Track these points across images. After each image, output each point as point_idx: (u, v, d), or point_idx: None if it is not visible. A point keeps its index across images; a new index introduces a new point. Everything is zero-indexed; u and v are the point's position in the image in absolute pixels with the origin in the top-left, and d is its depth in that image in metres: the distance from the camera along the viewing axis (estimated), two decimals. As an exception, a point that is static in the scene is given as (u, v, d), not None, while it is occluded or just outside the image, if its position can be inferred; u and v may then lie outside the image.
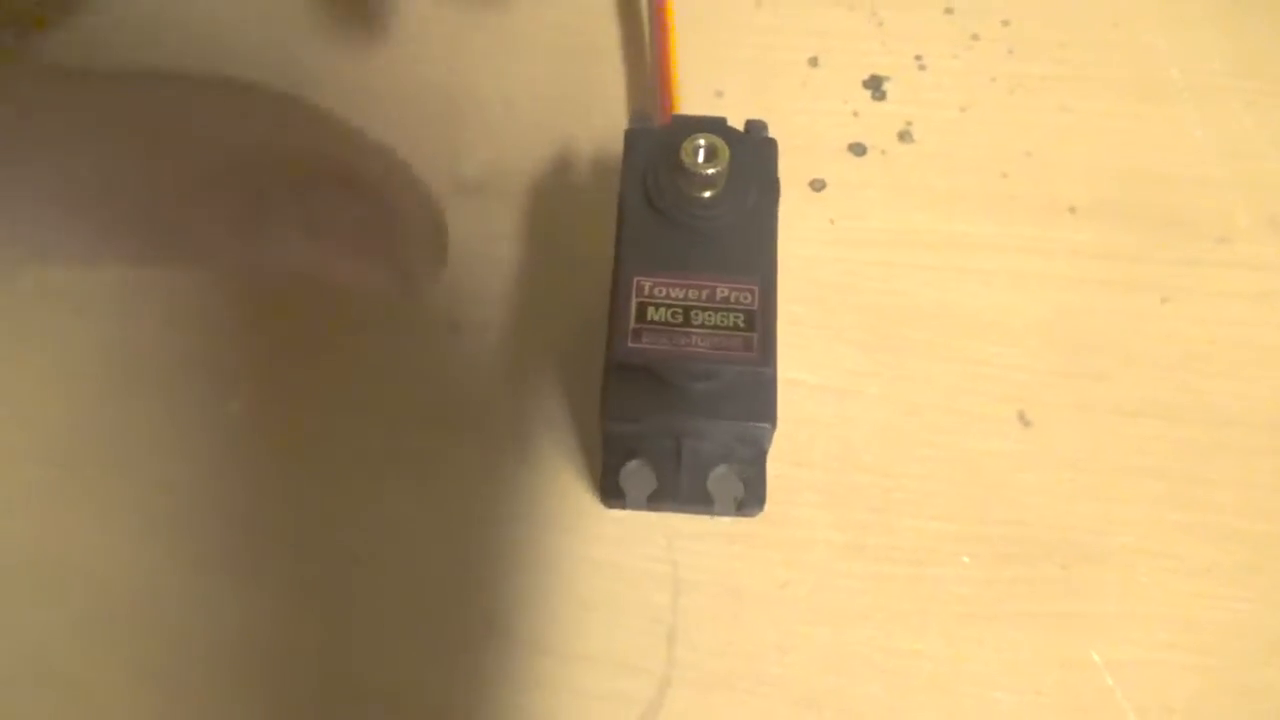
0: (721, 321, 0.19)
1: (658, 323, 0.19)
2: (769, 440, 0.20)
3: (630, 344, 0.19)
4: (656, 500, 0.19)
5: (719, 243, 0.20)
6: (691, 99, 0.27)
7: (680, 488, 0.19)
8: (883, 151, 0.27)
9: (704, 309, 0.19)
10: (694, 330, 0.19)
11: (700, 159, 0.19)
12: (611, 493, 0.19)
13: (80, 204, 0.17)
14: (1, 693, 0.20)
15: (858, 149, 0.27)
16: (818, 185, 0.26)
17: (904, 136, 0.27)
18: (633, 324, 0.19)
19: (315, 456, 0.23)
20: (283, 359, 0.24)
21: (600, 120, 0.27)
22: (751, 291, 0.19)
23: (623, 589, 0.21)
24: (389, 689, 0.21)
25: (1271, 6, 0.29)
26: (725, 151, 0.19)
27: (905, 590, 0.22)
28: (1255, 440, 0.23)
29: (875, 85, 0.28)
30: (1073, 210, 0.26)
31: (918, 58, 0.28)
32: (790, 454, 0.23)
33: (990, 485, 0.23)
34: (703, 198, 0.20)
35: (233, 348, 0.24)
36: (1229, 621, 0.21)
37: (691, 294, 0.19)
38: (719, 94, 0.28)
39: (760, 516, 0.22)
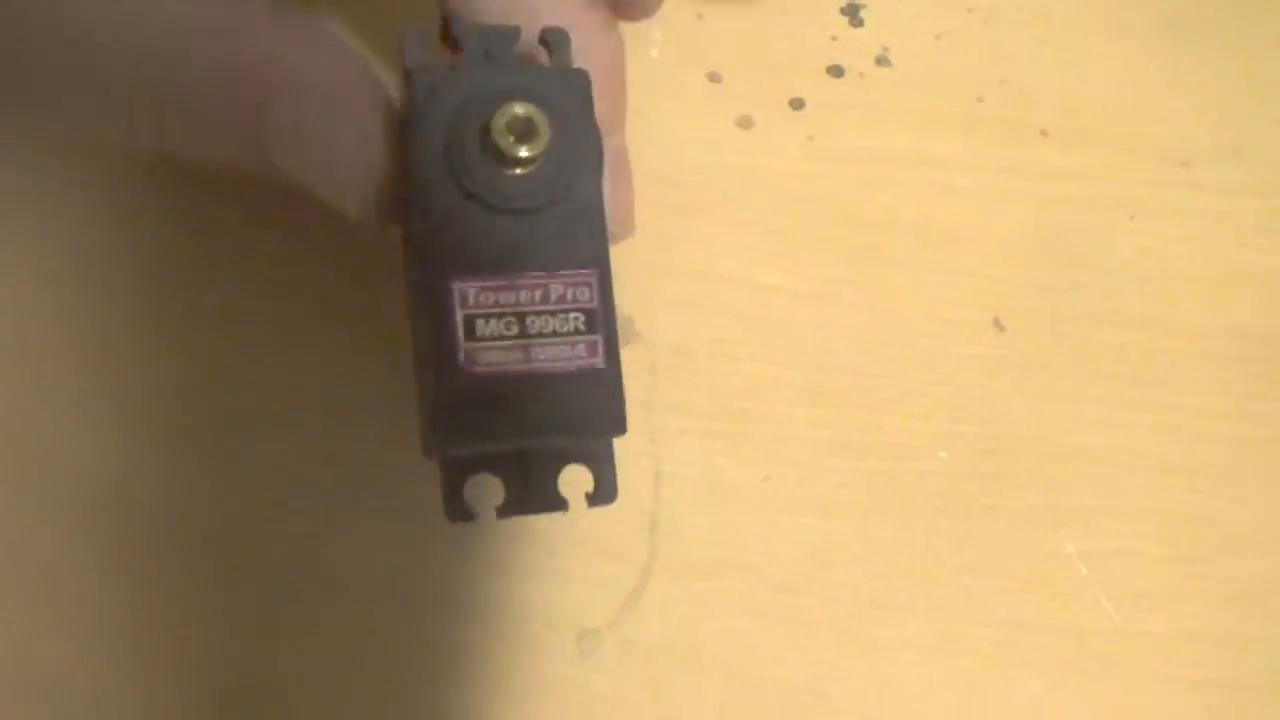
0: (560, 327, 0.17)
1: (490, 338, 0.16)
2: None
3: (466, 369, 0.16)
4: (505, 512, 0.17)
5: (541, 225, 0.17)
6: (672, 22, 0.28)
7: (530, 498, 0.17)
8: (861, 74, 0.27)
9: (539, 314, 0.16)
10: (533, 341, 0.16)
11: (516, 136, 0.16)
12: (457, 513, 0.17)
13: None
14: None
15: (836, 71, 0.27)
16: (797, 104, 0.27)
17: (881, 61, 0.27)
18: (463, 342, 0.16)
19: (285, 350, 0.22)
20: (261, 256, 0.23)
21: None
22: (589, 285, 0.17)
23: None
24: (366, 576, 0.20)
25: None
26: (545, 124, 0.16)
27: (884, 484, 0.22)
28: (1219, 347, 0.24)
29: (853, 12, 0.28)
30: (1044, 134, 0.27)
31: (894, -12, 0.29)
32: (769, 354, 0.23)
33: (965, 386, 0.23)
34: (517, 174, 0.17)
35: (209, 243, 0.23)
36: (1197, 514, 0.22)
37: (524, 297, 0.16)
38: (700, 16, 0.28)
39: (741, 412, 0.22)
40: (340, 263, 0.22)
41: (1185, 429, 0.23)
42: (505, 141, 0.16)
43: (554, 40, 0.18)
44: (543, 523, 0.21)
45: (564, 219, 0.17)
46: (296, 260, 0.23)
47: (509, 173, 0.16)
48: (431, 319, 0.16)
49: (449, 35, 0.18)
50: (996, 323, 0.24)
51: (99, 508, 0.21)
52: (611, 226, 0.18)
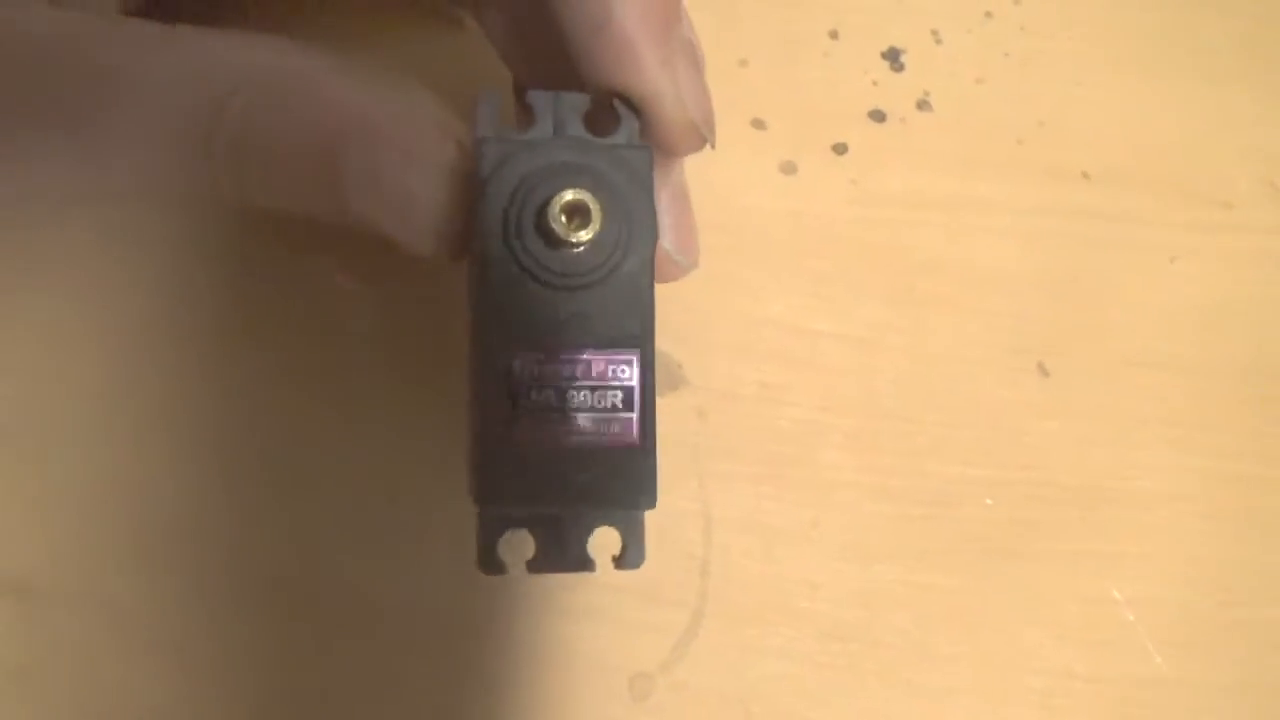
0: (599, 403, 0.17)
1: (532, 409, 0.17)
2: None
3: (506, 433, 0.17)
4: (535, 567, 0.18)
5: (592, 303, 0.17)
6: (715, 68, 0.28)
7: (560, 555, 0.18)
8: (902, 119, 0.28)
9: (580, 388, 0.17)
10: (571, 415, 0.17)
11: (568, 222, 0.17)
12: (490, 565, 0.18)
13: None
14: (53, 614, 0.21)
15: (878, 115, 0.28)
16: (840, 149, 0.27)
17: (922, 105, 0.28)
18: (507, 412, 0.17)
19: (350, 397, 0.23)
20: (328, 305, 0.24)
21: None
22: (629, 364, 0.17)
23: (659, 526, 0.22)
24: (423, 616, 0.21)
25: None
26: (597, 210, 0.17)
27: (931, 530, 0.22)
28: (1262, 390, 0.24)
29: (894, 57, 0.29)
30: (1085, 175, 0.27)
31: (934, 32, 0.29)
32: (816, 400, 0.23)
33: (1010, 431, 0.23)
34: (574, 254, 0.17)
35: (272, 295, 0.24)
36: (1241, 560, 0.22)
37: (565, 371, 0.17)
38: (743, 63, 0.28)
39: (788, 458, 0.23)
40: (408, 314, 0.23)
41: (1229, 473, 0.23)
42: (559, 225, 0.17)
43: (621, 113, 0.18)
44: (598, 570, 0.21)
45: (612, 296, 0.17)
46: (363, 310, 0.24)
47: (563, 254, 0.17)
48: (480, 384, 0.17)
49: (522, 95, 0.19)
50: (1040, 366, 0.24)
51: (177, 545, 0.21)
52: (678, 258, 0.18)
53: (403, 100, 0.18)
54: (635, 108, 0.18)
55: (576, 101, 0.18)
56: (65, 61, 0.17)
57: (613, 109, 0.18)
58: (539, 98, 0.18)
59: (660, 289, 0.19)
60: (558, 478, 0.17)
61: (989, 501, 0.22)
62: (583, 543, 0.18)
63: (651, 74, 0.18)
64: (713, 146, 0.19)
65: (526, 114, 0.18)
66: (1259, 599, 0.22)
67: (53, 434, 0.22)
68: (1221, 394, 0.24)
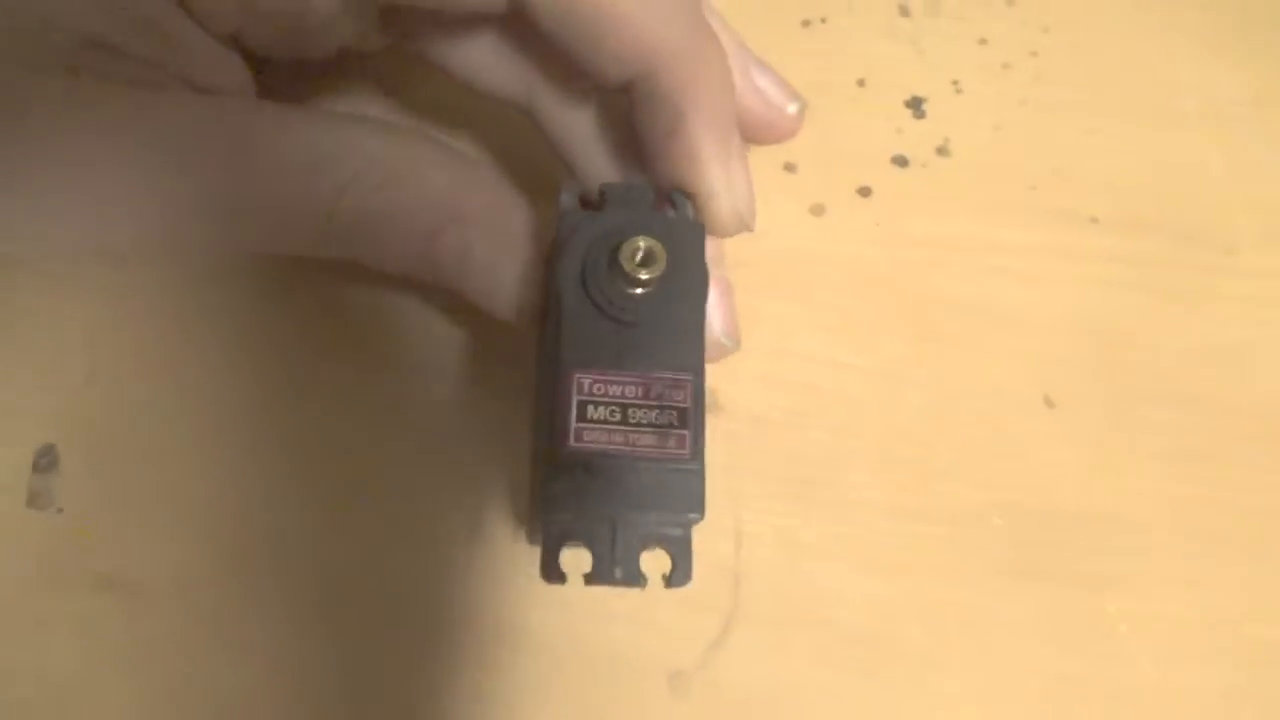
0: (657, 419, 0.19)
1: (597, 421, 0.19)
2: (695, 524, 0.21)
3: (574, 444, 0.19)
4: (593, 579, 0.20)
5: (653, 336, 0.20)
6: (751, 114, 0.30)
7: (614, 570, 0.20)
8: (923, 164, 0.30)
9: (640, 406, 0.19)
10: (632, 429, 0.19)
11: (639, 261, 0.20)
12: (552, 574, 0.20)
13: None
14: (154, 611, 0.23)
15: (900, 161, 0.30)
16: (865, 192, 0.29)
17: (942, 151, 0.30)
18: (575, 422, 0.19)
19: (412, 420, 0.26)
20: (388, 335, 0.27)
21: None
22: (685, 388, 0.20)
23: (695, 539, 0.24)
24: (489, 620, 0.23)
25: (1278, 45, 0.32)
26: (663, 256, 0.20)
27: (943, 547, 0.24)
28: (1257, 427, 0.26)
29: (916, 105, 0.31)
30: (1095, 220, 0.29)
31: (954, 82, 0.31)
32: (842, 428, 0.26)
33: (1018, 458, 0.25)
34: (639, 294, 0.20)
35: (351, 317, 0.27)
36: (1229, 581, 0.24)
37: (629, 391, 0.19)
38: (776, 110, 0.31)
39: (813, 479, 0.25)
40: (476, 349, 0.26)
41: (1222, 502, 0.25)
42: (630, 265, 0.20)
43: (678, 199, 0.22)
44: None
45: (670, 334, 0.20)
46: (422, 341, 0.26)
47: (630, 291, 0.20)
48: (554, 401, 0.20)
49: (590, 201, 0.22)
50: (1046, 400, 0.26)
51: (262, 552, 0.24)
52: (725, 341, 0.21)
53: (492, 189, 0.21)
54: (692, 197, 0.22)
55: (644, 189, 0.21)
56: (208, 137, 0.19)
57: (670, 197, 0.22)
58: (611, 187, 0.21)
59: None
60: (618, 485, 0.20)
61: (998, 521, 0.24)
62: (636, 560, 0.20)
63: (712, 175, 0.21)
64: (750, 230, 0.23)
65: (599, 199, 0.21)
66: (1245, 617, 0.24)
67: (157, 444, 0.25)
68: (1219, 429, 0.26)
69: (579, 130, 0.23)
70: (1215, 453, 0.26)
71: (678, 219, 0.22)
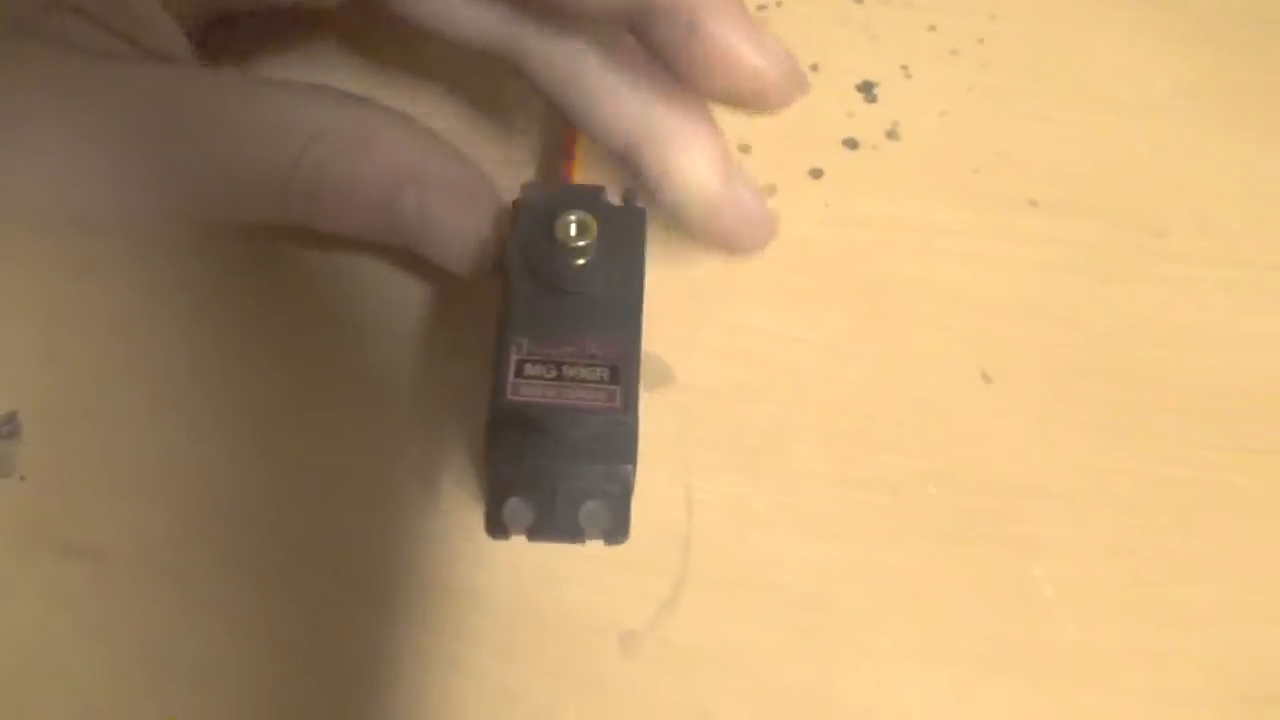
0: (589, 376, 0.21)
1: (533, 378, 0.21)
2: (632, 479, 0.22)
3: (510, 396, 0.21)
4: (534, 533, 0.21)
5: (591, 305, 0.22)
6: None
7: (555, 522, 0.21)
8: (874, 147, 0.31)
9: (574, 364, 0.21)
10: (565, 384, 0.21)
11: (573, 233, 0.22)
12: (495, 526, 0.21)
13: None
14: (121, 577, 0.24)
15: (851, 144, 0.31)
16: (816, 174, 0.30)
17: (891, 135, 0.31)
18: (511, 378, 0.21)
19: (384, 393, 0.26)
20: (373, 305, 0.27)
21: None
22: (616, 348, 0.21)
23: (646, 506, 0.25)
24: (442, 584, 0.24)
25: (1213, 39, 0.33)
26: (594, 227, 0.22)
27: (883, 515, 0.25)
28: (1178, 400, 0.27)
29: (868, 89, 0.32)
30: (1034, 203, 0.30)
31: (904, 67, 0.32)
32: (787, 398, 0.27)
33: (956, 431, 0.27)
34: (576, 265, 0.22)
35: (322, 290, 0.27)
36: (1150, 547, 0.25)
37: (564, 350, 0.21)
38: (732, 91, 0.31)
39: (761, 449, 0.26)
40: (434, 314, 0.26)
41: (1146, 473, 0.26)
42: (564, 235, 0.22)
43: (629, 193, 0.24)
44: (592, 543, 0.24)
45: (607, 304, 0.22)
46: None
47: (570, 263, 0.22)
48: (495, 361, 0.21)
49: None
50: (984, 375, 0.27)
51: (227, 517, 0.25)
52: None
53: (449, 154, 0.21)
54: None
55: (597, 192, 0.23)
56: (170, 107, 0.20)
57: (624, 199, 0.24)
58: (568, 189, 0.24)
59: (651, 305, 0.23)
60: (554, 437, 0.22)
61: (933, 490, 0.26)
62: (574, 514, 0.22)
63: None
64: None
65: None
66: (1164, 579, 0.25)
67: (118, 409, 0.26)
68: (1147, 403, 0.27)
69: (576, 69, 0.23)
70: (1142, 427, 0.27)
71: (624, 207, 0.23)
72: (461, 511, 0.25)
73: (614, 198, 0.24)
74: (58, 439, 0.25)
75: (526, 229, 0.22)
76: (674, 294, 0.27)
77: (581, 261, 0.22)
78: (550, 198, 0.23)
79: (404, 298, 0.27)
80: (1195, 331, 0.29)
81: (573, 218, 0.22)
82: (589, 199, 0.23)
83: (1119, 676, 0.24)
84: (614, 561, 0.24)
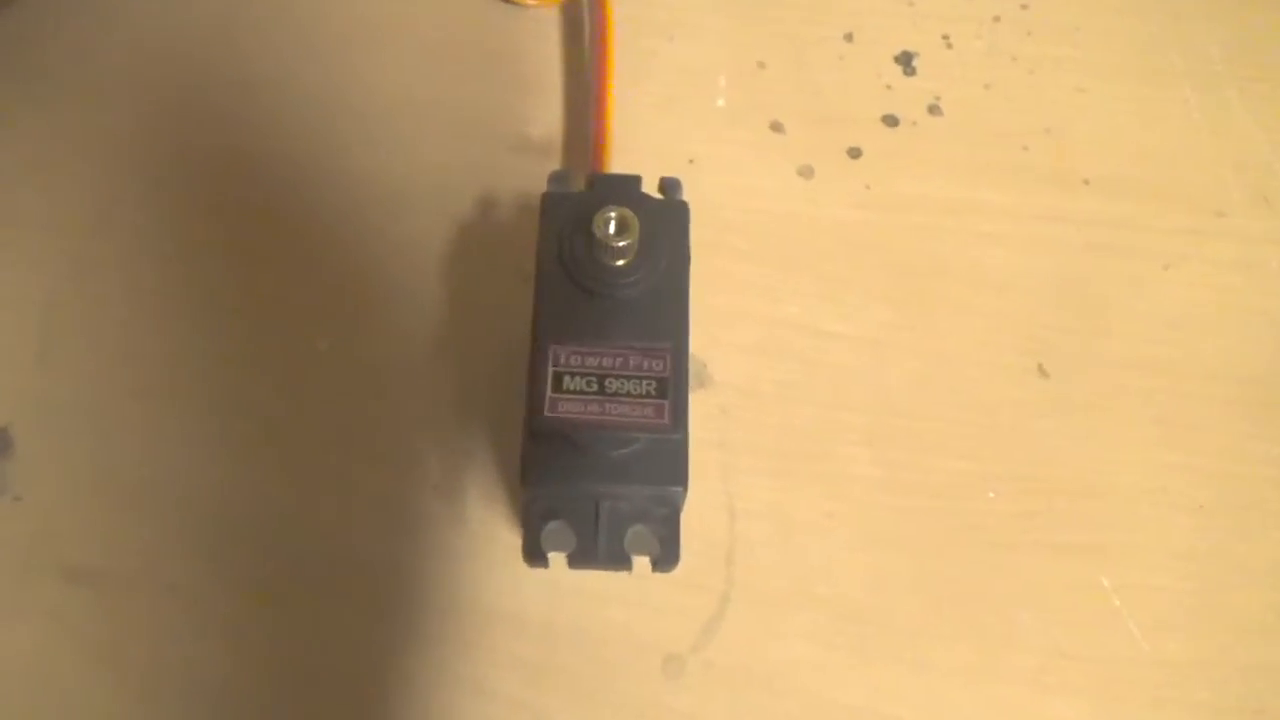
0: (635, 389, 0.19)
1: (573, 392, 0.19)
2: (682, 500, 0.20)
3: (548, 414, 0.19)
4: (576, 560, 0.20)
5: (633, 310, 0.20)
6: (735, 70, 0.29)
7: (598, 549, 0.19)
8: (914, 123, 0.29)
9: (618, 377, 0.19)
10: (609, 399, 0.19)
11: (612, 231, 0.19)
12: (534, 554, 0.19)
13: None
14: (126, 598, 0.22)
15: (890, 120, 0.29)
16: (854, 153, 0.28)
17: (933, 110, 0.29)
18: (549, 393, 0.19)
19: (396, 388, 0.24)
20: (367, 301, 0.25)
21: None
22: (664, 359, 0.19)
23: (686, 516, 0.23)
24: (466, 602, 0.23)
25: (1264, 3, 0.31)
26: (635, 224, 0.19)
27: (937, 521, 0.24)
28: (1240, 392, 0.26)
29: (906, 61, 0.30)
30: (1086, 182, 0.28)
31: (945, 36, 0.30)
32: (831, 399, 0.25)
33: (1011, 429, 0.25)
34: (616, 266, 0.20)
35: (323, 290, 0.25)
36: (1214, 550, 0.24)
37: (606, 362, 0.19)
38: (761, 65, 0.29)
39: (805, 453, 0.25)
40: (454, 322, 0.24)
41: (1210, 470, 0.25)
42: (602, 232, 0.19)
43: (667, 184, 0.22)
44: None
45: (651, 305, 0.20)
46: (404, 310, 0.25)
47: (608, 264, 0.20)
48: (530, 374, 0.19)
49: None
50: (1040, 369, 0.26)
51: (229, 534, 0.23)
52: None
53: None
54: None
55: (632, 179, 0.21)
56: None
57: (661, 188, 0.22)
58: (599, 176, 0.22)
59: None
60: (597, 456, 0.20)
61: (991, 495, 0.24)
62: (620, 540, 0.20)
63: None
64: None
65: (587, 187, 0.21)
66: (1233, 585, 0.24)
67: (113, 422, 0.24)
68: (1207, 396, 0.26)
69: None
70: (1198, 420, 0.25)
71: (664, 200, 0.21)
72: (486, 526, 0.23)
73: (649, 188, 0.22)
74: (53, 453, 0.24)
75: (558, 226, 0.20)
76: (704, 285, 0.26)
77: (621, 262, 0.20)
78: (582, 191, 0.21)
79: (421, 299, 0.25)
80: (1254, 317, 0.27)
81: (611, 214, 0.19)
82: (625, 190, 0.21)
83: (1191, 693, 0.23)
84: (652, 578, 0.23)
